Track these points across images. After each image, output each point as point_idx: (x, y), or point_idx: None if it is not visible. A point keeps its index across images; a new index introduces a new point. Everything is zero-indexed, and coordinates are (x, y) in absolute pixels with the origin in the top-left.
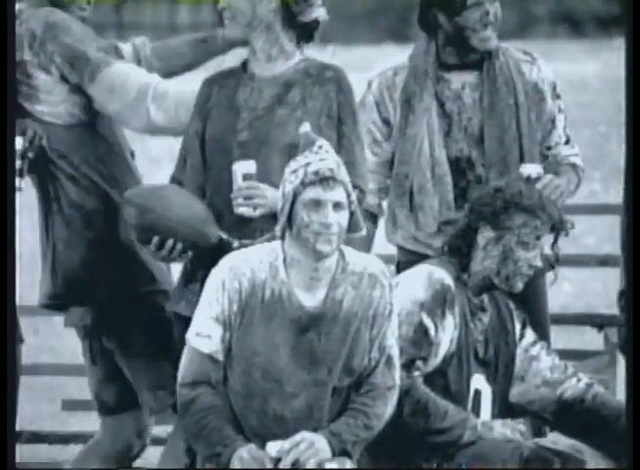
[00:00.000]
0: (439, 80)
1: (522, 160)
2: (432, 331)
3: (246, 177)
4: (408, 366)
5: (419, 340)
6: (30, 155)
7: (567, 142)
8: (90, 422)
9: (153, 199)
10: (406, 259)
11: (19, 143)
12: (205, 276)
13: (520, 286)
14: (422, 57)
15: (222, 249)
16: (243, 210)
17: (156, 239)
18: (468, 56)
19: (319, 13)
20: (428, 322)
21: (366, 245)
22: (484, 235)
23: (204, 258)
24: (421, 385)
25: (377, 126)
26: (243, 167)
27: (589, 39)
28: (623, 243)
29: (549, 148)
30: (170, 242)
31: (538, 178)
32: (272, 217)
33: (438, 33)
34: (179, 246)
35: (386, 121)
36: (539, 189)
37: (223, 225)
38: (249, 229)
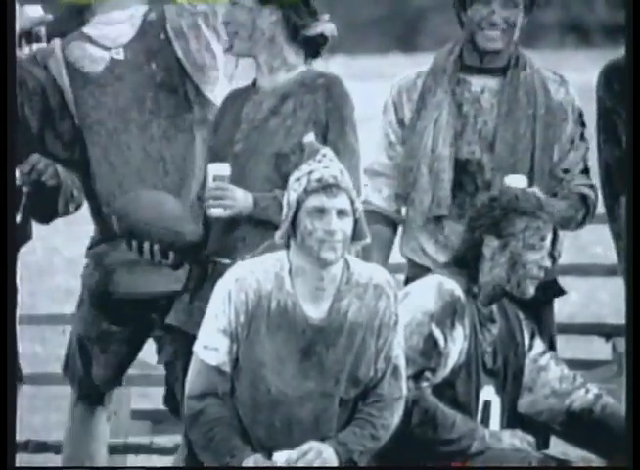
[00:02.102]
0: (460, 82)
1: (532, 171)
2: (441, 342)
3: (216, 178)
4: (417, 377)
5: (428, 351)
6: (25, 189)
7: (584, 171)
8: None
9: (126, 204)
10: (414, 274)
11: (17, 177)
12: (195, 288)
13: (531, 291)
14: (444, 55)
15: (209, 263)
16: (213, 210)
17: (134, 243)
18: (484, 57)
19: (325, 28)
20: (437, 333)
21: (384, 252)
22: (490, 245)
23: (198, 273)
24: (429, 395)
25: (392, 128)
26: (215, 169)
27: (597, 48)
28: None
29: (565, 171)
30: (146, 244)
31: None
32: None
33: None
34: (156, 247)
35: (401, 123)
36: (535, 190)
37: (214, 233)
38: (231, 239)
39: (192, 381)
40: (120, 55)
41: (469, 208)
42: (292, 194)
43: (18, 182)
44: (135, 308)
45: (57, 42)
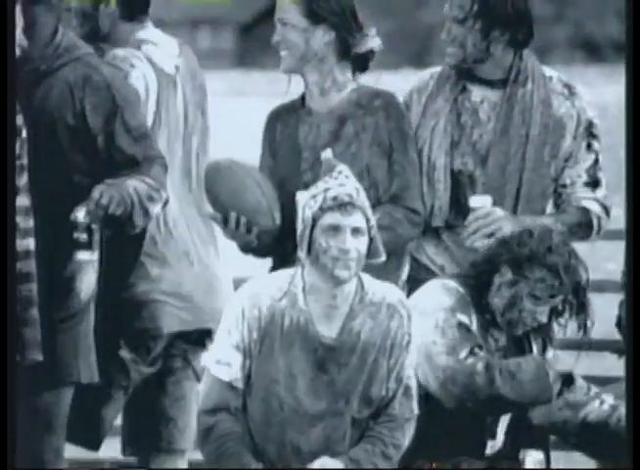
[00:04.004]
0: (463, 90)
1: (518, 193)
2: (473, 326)
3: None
4: (471, 353)
5: (466, 335)
6: (95, 226)
7: (589, 184)
8: (110, 448)
9: (225, 188)
10: (416, 274)
11: (81, 216)
12: None
13: (519, 333)
14: None
15: None
16: None
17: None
18: (475, 68)
19: (374, 43)
20: (465, 319)
21: (399, 253)
22: (502, 275)
23: None
24: (487, 357)
25: None
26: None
27: (608, 64)
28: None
29: (564, 186)
30: (234, 214)
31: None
32: None
33: None
34: (243, 219)
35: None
36: (575, 250)
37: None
38: None
39: (204, 396)
40: (180, 61)
41: (458, 216)
42: (307, 211)
43: (84, 220)
44: (171, 344)
45: (129, 50)
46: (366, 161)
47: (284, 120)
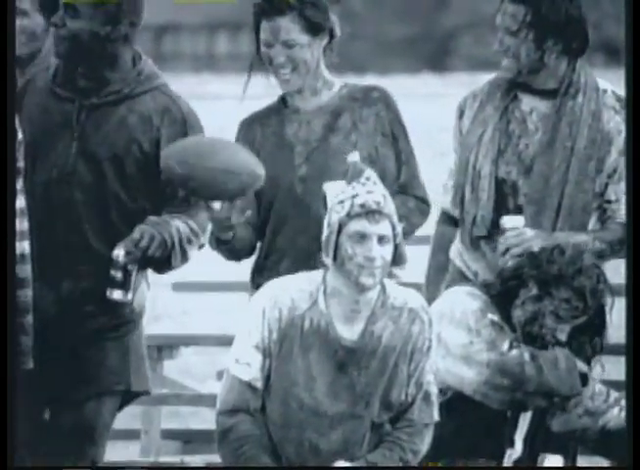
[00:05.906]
0: (514, 98)
1: (559, 207)
2: (505, 327)
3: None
4: (511, 345)
5: (501, 332)
6: (130, 267)
7: None
8: (127, 451)
9: (191, 155)
10: (452, 278)
11: (121, 255)
12: None
13: (537, 346)
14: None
15: None
16: None
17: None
18: (528, 79)
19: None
20: (496, 319)
21: (447, 253)
22: (529, 290)
23: None
24: (529, 348)
25: (455, 135)
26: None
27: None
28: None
29: (609, 202)
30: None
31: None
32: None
33: None
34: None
35: (461, 132)
36: (604, 273)
37: (288, 260)
38: (312, 263)
39: (223, 396)
40: None
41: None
42: (333, 216)
43: (121, 260)
44: None
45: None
46: (368, 150)
47: (263, 123)
